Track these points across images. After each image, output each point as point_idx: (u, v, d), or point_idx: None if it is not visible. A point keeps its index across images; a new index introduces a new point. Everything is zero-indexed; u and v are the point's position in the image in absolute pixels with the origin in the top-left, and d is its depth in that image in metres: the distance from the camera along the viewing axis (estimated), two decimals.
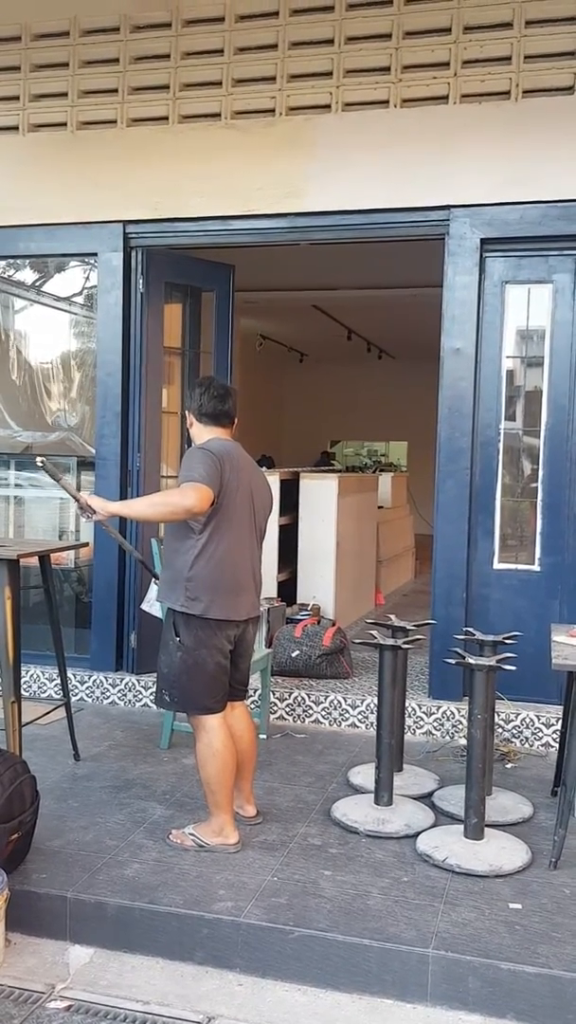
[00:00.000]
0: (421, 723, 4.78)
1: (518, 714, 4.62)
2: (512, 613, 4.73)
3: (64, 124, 5.19)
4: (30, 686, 5.25)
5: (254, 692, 4.78)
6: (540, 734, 4.59)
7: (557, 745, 4.17)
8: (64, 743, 4.33)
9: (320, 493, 6.47)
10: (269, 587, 6.09)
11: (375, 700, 3.90)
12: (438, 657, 4.68)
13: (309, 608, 6.12)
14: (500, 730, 4.57)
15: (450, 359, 4.75)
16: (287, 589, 6.46)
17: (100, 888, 3.06)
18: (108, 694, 5.21)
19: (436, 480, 4.83)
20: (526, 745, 4.60)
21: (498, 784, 3.99)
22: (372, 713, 4.76)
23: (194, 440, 3.43)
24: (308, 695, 4.98)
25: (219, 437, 3.38)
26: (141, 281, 5.22)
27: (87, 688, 5.24)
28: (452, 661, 3.45)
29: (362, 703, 4.89)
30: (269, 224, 4.92)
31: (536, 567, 4.75)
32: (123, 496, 5.18)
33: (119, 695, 5.20)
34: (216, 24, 4.90)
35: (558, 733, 4.28)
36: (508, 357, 4.78)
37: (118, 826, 3.55)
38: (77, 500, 3.36)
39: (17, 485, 5.78)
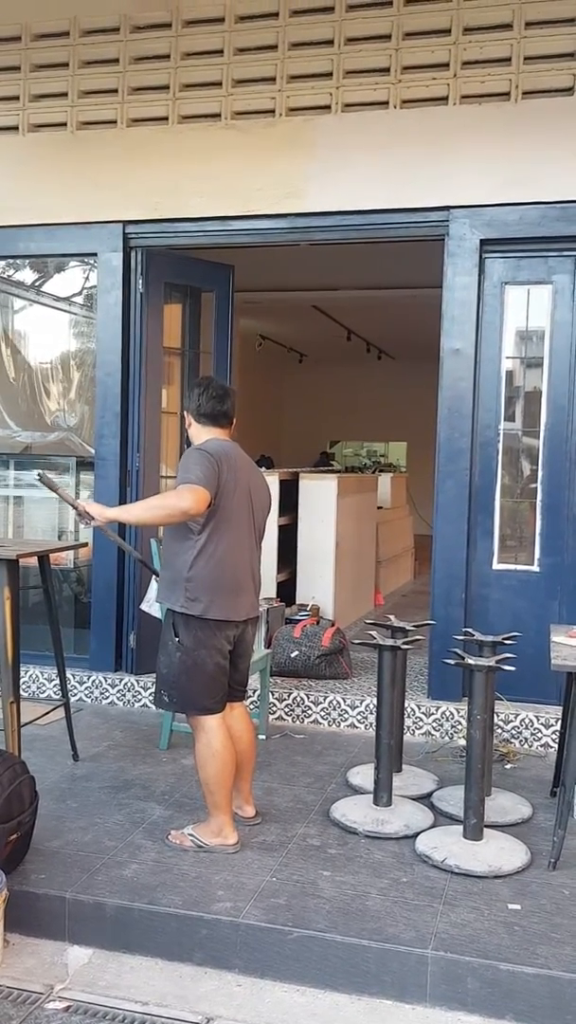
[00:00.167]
0: (420, 724, 4.78)
1: (517, 715, 4.62)
2: (511, 614, 4.73)
3: (64, 124, 5.19)
4: (29, 686, 5.25)
5: (253, 693, 4.78)
6: (539, 735, 4.59)
7: (556, 746, 4.17)
8: (63, 743, 4.32)
9: (319, 493, 6.47)
10: (268, 587, 6.09)
11: (374, 701, 3.90)
12: (437, 658, 4.68)
13: (308, 608, 6.12)
14: (499, 731, 4.57)
15: (450, 360, 4.75)
16: (286, 589, 6.46)
17: (99, 889, 3.06)
18: (107, 694, 5.21)
19: (435, 480, 4.83)
20: (525, 746, 4.60)
21: (497, 785, 3.99)
22: (371, 714, 4.76)
23: (192, 440, 3.44)
24: (307, 695, 4.98)
25: (217, 438, 3.39)
26: (141, 281, 5.22)
27: (86, 688, 5.24)
28: (451, 662, 3.45)
29: (361, 704, 4.89)
30: (269, 224, 4.93)
31: (535, 568, 4.75)
32: (122, 496, 5.19)
33: (118, 695, 5.20)
34: (216, 24, 4.90)
35: (557, 734, 4.28)
36: (507, 358, 4.78)
37: (117, 827, 3.55)
38: (76, 508, 3.43)
39: (16, 485, 5.78)
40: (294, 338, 13.20)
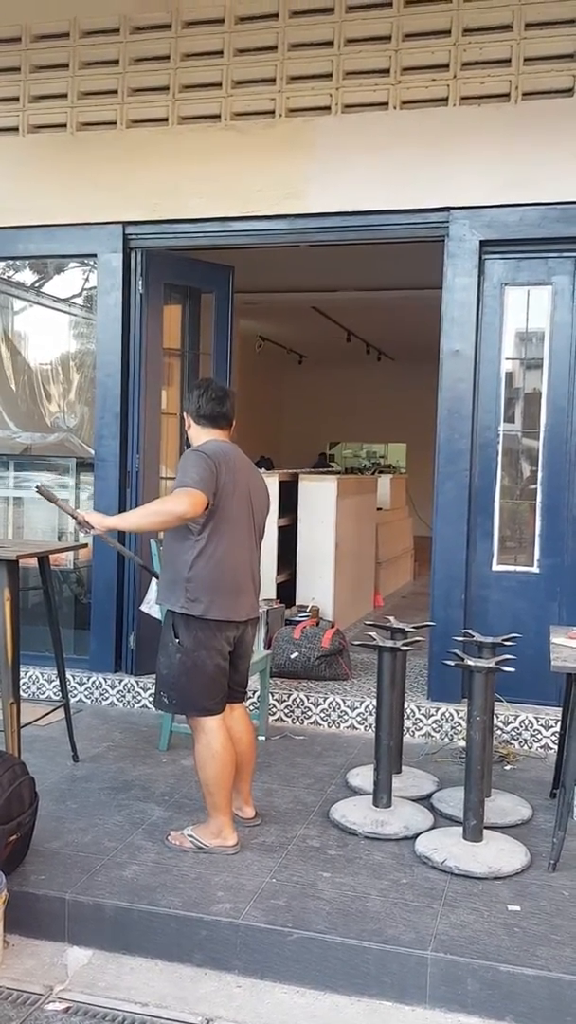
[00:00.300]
0: (420, 725, 4.78)
1: (517, 716, 4.62)
2: (511, 615, 4.73)
3: (64, 125, 5.19)
4: (29, 687, 5.24)
5: (253, 694, 4.77)
6: (539, 736, 4.59)
7: (556, 747, 4.17)
8: (63, 744, 4.32)
9: (319, 495, 6.47)
10: (268, 588, 6.09)
11: (374, 702, 3.90)
12: (437, 659, 4.68)
13: (308, 610, 6.12)
14: (499, 732, 4.57)
15: (449, 361, 4.75)
16: (286, 590, 6.46)
17: (99, 890, 3.06)
18: (107, 695, 5.21)
19: (435, 482, 4.83)
20: (525, 747, 4.60)
21: (497, 786, 3.99)
22: (371, 715, 4.75)
23: (192, 442, 3.44)
24: (307, 697, 4.98)
25: (216, 439, 3.39)
26: (140, 282, 5.22)
27: (86, 689, 5.23)
28: (451, 663, 3.45)
29: (361, 705, 4.89)
30: (268, 225, 4.93)
31: (535, 569, 4.75)
32: (122, 496, 5.20)
33: (118, 696, 5.19)
34: (216, 26, 4.90)
35: (557, 735, 4.27)
36: (507, 359, 4.78)
37: (117, 827, 3.55)
38: (75, 517, 3.47)
39: (16, 486, 5.78)
40: (294, 339, 13.20)
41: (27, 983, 2.79)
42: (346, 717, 4.91)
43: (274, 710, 4.96)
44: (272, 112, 4.86)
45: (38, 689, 5.28)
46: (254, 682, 4.56)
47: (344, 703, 4.92)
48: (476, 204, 4.62)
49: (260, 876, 3.18)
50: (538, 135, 4.50)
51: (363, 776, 4.03)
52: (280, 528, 6.27)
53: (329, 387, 15.43)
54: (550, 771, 4.14)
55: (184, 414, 3.53)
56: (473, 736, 3.35)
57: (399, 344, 12.82)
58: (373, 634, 3.82)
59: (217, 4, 4.89)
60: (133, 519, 3.45)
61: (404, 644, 3.70)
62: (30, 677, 5.25)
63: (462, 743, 4.27)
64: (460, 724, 4.64)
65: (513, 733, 4.62)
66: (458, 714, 4.68)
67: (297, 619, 5.81)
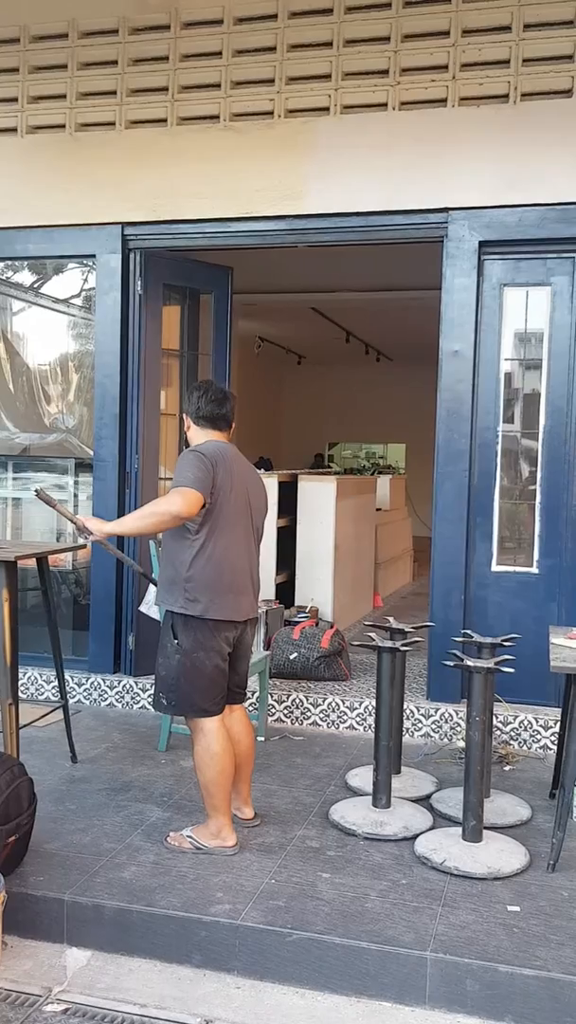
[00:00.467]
0: (419, 725, 4.78)
1: (516, 716, 4.61)
2: (510, 615, 4.73)
3: (63, 126, 5.19)
4: (28, 688, 5.24)
5: (252, 694, 4.77)
6: (538, 736, 4.59)
7: (555, 747, 4.17)
8: (62, 745, 4.32)
9: (318, 495, 6.47)
10: (267, 589, 6.09)
11: (373, 702, 3.90)
12: (436, 659, 4.68)
13: (307, 610, 6.12)
14: (498, 732, 4.57)
15: (448, 361, 4.75)
16: (285, 591, 6.46)
17: (97, 891, 3.06)
18: (106, 696, 5.21)
19: (434, 482, 4.83)
20: (524, 747, 4.60)
21: (496, 786, 3.99)
22: (370, 715, 4.75)
23: (191, 443, 3.44)
24: (306, 697, 4.97)
25: (215, 440, 3.39)
26: (139, 283, 5.22)
27: (85, 690, 5.23)
28: (450, 663, 3.46)
29: (360, 705, 4.89)
30: (267, 226, 4.93)
31: (534, 569, 4.75)
32: (121, 496, 5.20)
33: (117, 697, 5.19)
34: (215, 26, 4.90)
35: (556, 735, 4.28)
36: (506, 360, 4.79)
37: (116, 828, 3.55)
38: (75, 523, 3.47)
39: (15, 487, 5.77)
40: (293, 340, 13.20)
41: (26, 984, 2.79)
42: (345, 718, 4.91)
43: (273, 711, 4.96)
44: (271, 113, 4.86)
45: (37, 690, 5.28)
46: (253, 683, 4.56)
47: (343, 704, 4.92)
48: (475, 205, 4.62)
49: (259, 877, 3.18)
50: (537, 136, 4.51)
51: (362, 777, 4.03)
52: (279, 528, 6.27)
53: (328, 388, 15.44)
54: (549, 771, 4.14)
55: (183, 415, 3.53)
56: (472, 736, 3.34)
57: (398, 345, 12.83)
58: (372, 634, 3.82)
59: (216, 5, 4.89)
60: (130, 523, 3.43)
61: (403, 645, 3.70)
62: (29, 678, 5.25)
63: (461, 743, 4.27)
64: (459, 724, 4.64)
65: (512, 733, 4.62)
66: (457, 714, 4.68)
67: (296, 620, 5.81)
